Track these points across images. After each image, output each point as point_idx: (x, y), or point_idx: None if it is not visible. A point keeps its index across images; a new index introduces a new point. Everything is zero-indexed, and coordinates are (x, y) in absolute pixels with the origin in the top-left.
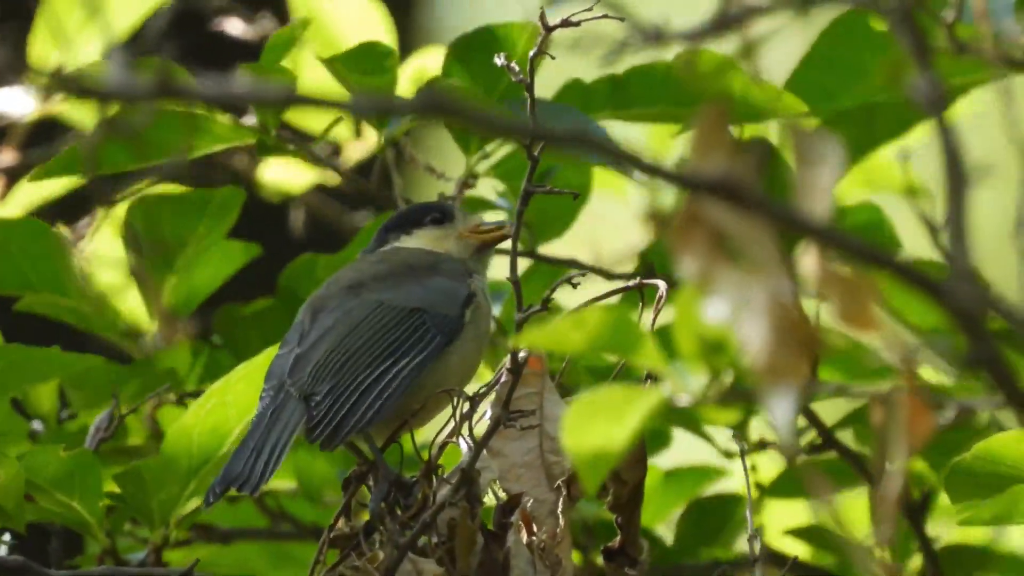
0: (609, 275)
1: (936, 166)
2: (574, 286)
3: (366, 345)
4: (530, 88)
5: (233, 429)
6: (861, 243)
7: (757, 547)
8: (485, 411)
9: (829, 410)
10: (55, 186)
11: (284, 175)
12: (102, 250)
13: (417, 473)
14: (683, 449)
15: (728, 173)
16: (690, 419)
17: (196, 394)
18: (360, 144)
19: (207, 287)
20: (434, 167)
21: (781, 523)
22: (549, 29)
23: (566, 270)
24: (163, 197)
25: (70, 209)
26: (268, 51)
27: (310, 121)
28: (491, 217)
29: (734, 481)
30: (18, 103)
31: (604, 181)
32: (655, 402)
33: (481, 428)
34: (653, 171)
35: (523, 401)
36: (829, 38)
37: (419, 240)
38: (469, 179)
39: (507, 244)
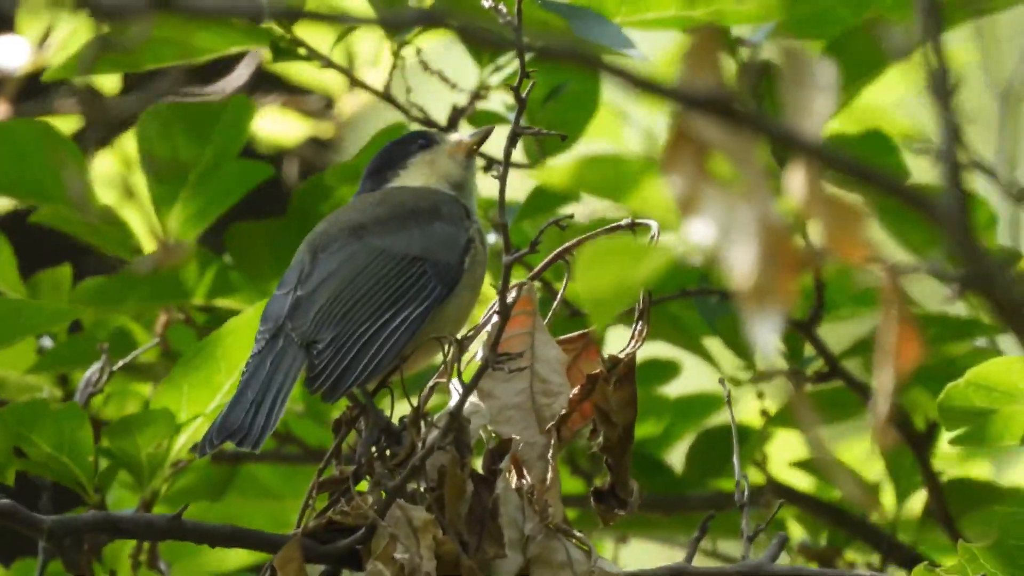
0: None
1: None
2: (562, 228)
3: (369, 294)
4: (517, 30)
5: (223, 383)
6: (853, 160)
7: (746, 491)
8: (476, 353)
9: (836, 338)
10: (62, 125)
11: (278, 128)
12: (102, 174)
13: (406, 417)
14: (691, 381)
15: (719, 89)
16: (698, 345)
17: (205, 308)
18: (353, 96)
19: (219, 205)
20: (447, 77)
21: (787, 454)
22: None
23: (568, 193)
24: (176, 108)
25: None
26: None
27: (320, 38)
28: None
29: (743, 410)
30: (12, 56)
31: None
32: (667, 254)
33: (471, 371)
34: (644, 85)
35: (514, 341)
36: None
37: (416, 172)
38: (481, 91)
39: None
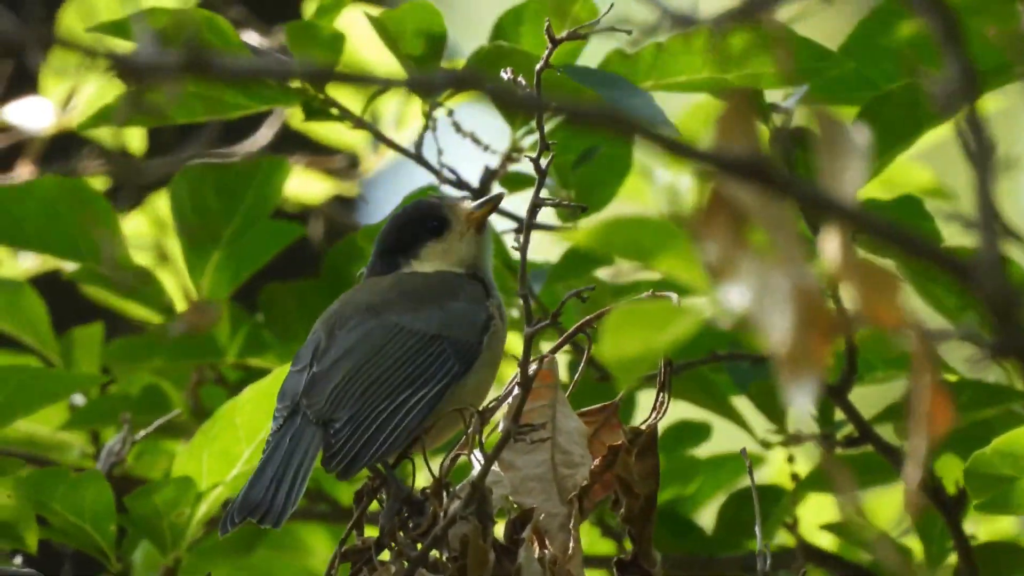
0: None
1: (959, 161)
2: (583, 300)
3: (387, 373)
4: (538, 99)
5: (243, 451)
6: (890, 225)
7: (768, 560)
8: (497, 423)
9: (868, 403)
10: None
11: (302, 186)
12: (134, 235)
13: (428, 487)
14: (722, 441)
15: (754, 154)
16: (729, 407)
17: (238, 367)
18: (377, 155)
19: (252, 264)
20: (479, 138)
21: (818, 517)
22: (556, 42)
23: (601, 255)
24: (208, 168)
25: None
26: (319, 11)
27: (351, 99)
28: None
29: (775, 473)
30: (37, 117)
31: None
32: (694, 319)
33: (493, 441)
34: (678, 150)
35: (535, 413)
36: (868, 26)
37: (428, 262)
38: (513, 153)
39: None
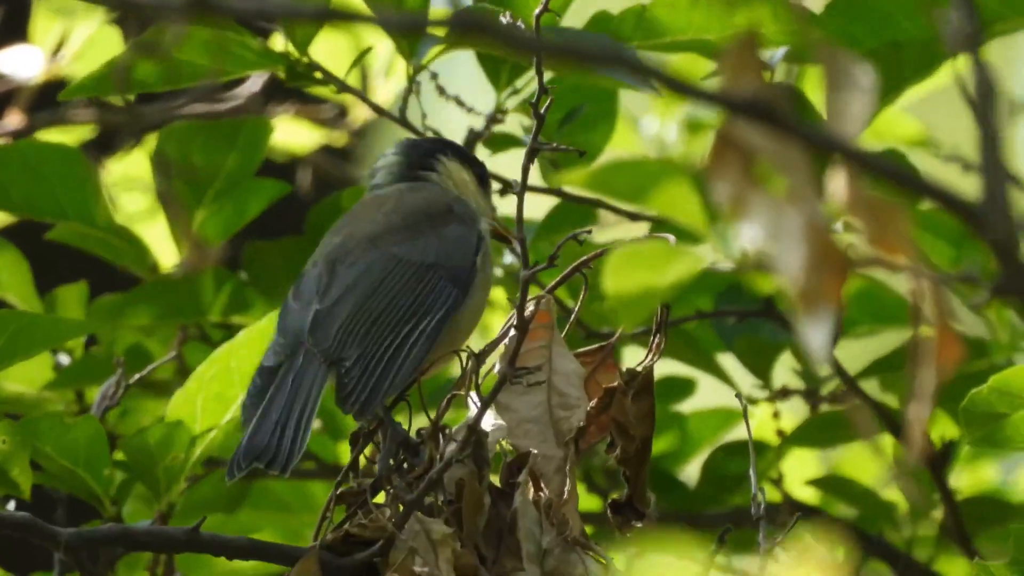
0: (634, 216)
1: (946, 114)
2: (580, 243)
3: (389, 307)
4: (537, 42)
5: (237, 395)
6: (896, 166)
7: (762, 506)
8: (493, 366)
9: (853, 359)
10: (77, 134)
11: (291, 136)
12: (131, 173)
13: (423, 429)
14: (705, 399)
15: (761, 94)
16: (714, 364)
17: (223, 326)
18: (365, 107)
19: (237, 222)
20: (463, 101)
21: (801, 472)
22: None
23: (591, 209)
24: (194, 126)
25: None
26: None
27: (335, 59)
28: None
29: (760, 428)
30: (26, 66)
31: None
32: (696, 260)
33: (489, 384)
34: (687, 90)
35: (532, 355)
36: None
37: (450, 180)
38: (498, 114)
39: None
